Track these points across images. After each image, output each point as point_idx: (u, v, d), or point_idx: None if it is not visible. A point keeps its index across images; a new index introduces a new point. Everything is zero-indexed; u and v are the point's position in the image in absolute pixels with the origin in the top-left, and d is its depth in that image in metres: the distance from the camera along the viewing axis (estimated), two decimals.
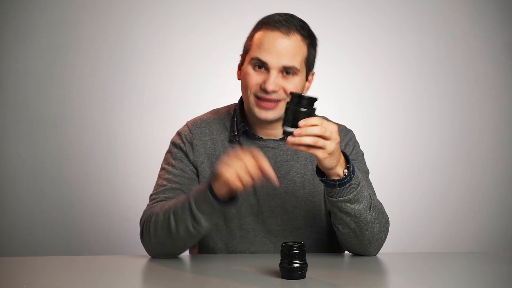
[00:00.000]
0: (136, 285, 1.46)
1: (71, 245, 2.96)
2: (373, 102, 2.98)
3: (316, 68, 1.70)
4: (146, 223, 1.60)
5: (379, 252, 1.63)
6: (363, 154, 1.76)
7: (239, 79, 1.69)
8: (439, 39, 2.96)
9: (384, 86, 2.98)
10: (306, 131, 1.36)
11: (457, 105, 2.97)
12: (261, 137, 1.69)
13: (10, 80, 2.95)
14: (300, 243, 1.38)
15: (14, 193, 2.96)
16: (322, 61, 2.96)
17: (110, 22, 2.94)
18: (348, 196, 1.47)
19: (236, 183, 1.41)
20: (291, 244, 1.37)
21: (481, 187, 2.97)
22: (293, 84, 1.61)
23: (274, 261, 1.46)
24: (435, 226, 2.97)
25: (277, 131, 1.69)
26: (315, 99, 1.39)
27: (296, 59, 1.61)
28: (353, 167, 1.47)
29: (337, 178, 1.45)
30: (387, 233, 1.62)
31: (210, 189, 1.46)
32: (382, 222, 1.57)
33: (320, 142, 1.37)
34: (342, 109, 2.92)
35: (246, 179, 1.40)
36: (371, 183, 1.71)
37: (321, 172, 1.47)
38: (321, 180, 1.48)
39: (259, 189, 1.68)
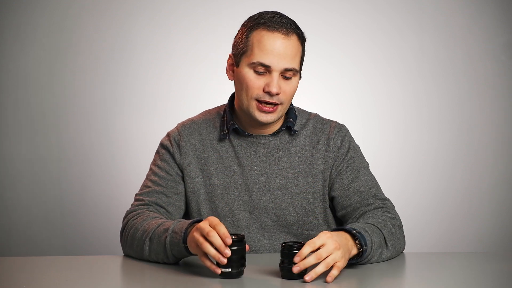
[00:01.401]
0: (136, 285, 1.46)
1: (71, 245, 2.96)
2: (373, 102, 2.98)
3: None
4: (127, 229, 1.63)
5: None
6: (359, 147, 1.76)
7: (231, 79, 1.68)
8: (439, 39, 2.96)
9: (384, 86, 2.97)
10: (306, 264, 1.34)
11: (457, 105, 2.97)
12: (251, 134, 1.70)
13: (10, 80, 2.95)
14: (300, 243, 1.38)
15: (14, 193, 2.96)
16: (323, 61, 2.99)
17: (110, 23, 2.94)
18: (369, 259, 1.50)
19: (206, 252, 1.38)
20: (291, 244, 1.37)
21: (481, 187, 2.97)
22: (291, 86, 1.62)
23: (273, 261, 1.46)
24: (435, 226, 2.97)
25: (268, 128, 1.70)
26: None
27: (295, 61, 1.61)
28: (360, 236, 1.46)
29: (355, 256, 1.47)
30: (403, 232, 1.64)
31: (184, 240, 1.45)
32: (398, 234, 1.60)
33: (329, 259, 1.35)
34: (342, 109, 2.92)
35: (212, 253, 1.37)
36: (373, 176, 1.73)
37: None
38: None
39: (251, 185, 1.68)
